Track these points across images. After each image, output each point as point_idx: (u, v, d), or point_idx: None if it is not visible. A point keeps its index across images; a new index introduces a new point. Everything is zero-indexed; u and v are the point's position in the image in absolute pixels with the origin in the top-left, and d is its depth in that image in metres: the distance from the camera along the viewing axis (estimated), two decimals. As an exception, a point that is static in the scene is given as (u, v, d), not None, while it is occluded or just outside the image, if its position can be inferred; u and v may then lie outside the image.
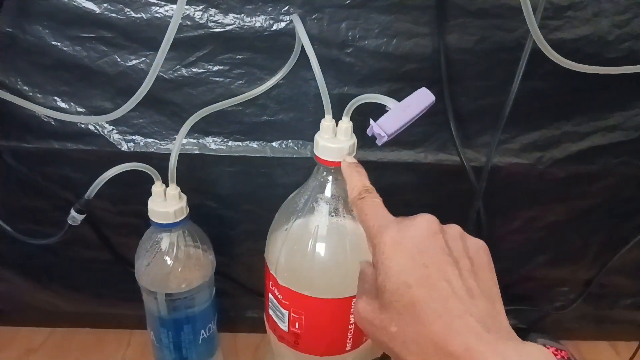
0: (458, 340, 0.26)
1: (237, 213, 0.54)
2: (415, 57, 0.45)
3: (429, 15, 0.44)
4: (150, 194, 0.45)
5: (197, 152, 0.49)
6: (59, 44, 0.44)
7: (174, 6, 0.42)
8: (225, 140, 0.49)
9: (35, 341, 0.61)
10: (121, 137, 0.49)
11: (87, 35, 0.44)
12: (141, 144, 0.49)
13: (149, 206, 0.45)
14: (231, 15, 0.43)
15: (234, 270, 0.59)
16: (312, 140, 0.41)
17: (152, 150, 0.49)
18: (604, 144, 0.50)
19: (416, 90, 0.37)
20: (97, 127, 0.48)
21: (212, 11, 0.43)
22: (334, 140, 0.40)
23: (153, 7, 0.43)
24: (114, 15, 0.43)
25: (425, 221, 0.31)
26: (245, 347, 0.62)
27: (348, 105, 0.39)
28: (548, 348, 0.58)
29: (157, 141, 0.49)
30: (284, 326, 0.45)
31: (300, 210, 0.43)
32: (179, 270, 0.47)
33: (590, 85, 0.47)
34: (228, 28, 0.44)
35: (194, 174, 0.50)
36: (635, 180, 0.53)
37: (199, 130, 0.48)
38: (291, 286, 0.43)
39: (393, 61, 0.45)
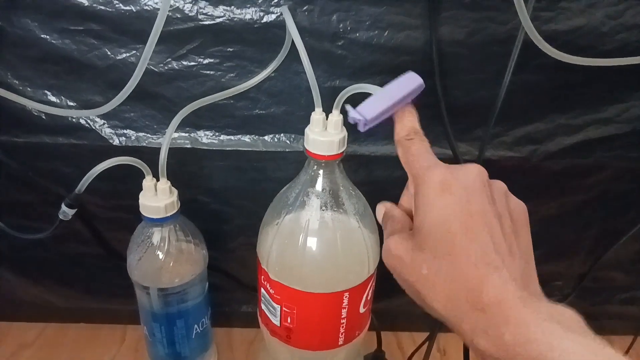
0: (492, 292, 0.26)
1: (229, 208, 0.54)
2: (407, 49, 0.45)
3: (420, 7, 0.43)
4: (141, 189, 0.45)
5: (188, 146, 0.49)
6: (47, 37, 0.44)
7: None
8: (217, 134, 0.49)
9: (28, 336, 0.60)
10: (112, 131, 0.48)
11: (76, 28, 0.43)
12: (132, 138, 0.48)
13: (140, 201, 0.44)
14: (221, 8, 0.43)
15: (228, 266, 0.58)
16: (304, 134, 0.41)
17: (144, 144, 0.48)
18: (598, 137, 0.50)
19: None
20: (88, 121, 0.48)
21: (202, 3, 0.43)
22: (324, 133, 0.40)
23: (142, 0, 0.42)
24: (102, 7, 0.42)
25: (477, 170, 0.31)
26: (240, 342, 0.62)
27: (337, 98, 0.38)
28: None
29: (149, 135, 0.48)
30: (276, 321, 0.45)
31: (291, 205, 0.43)
32: (171, 264, 0.47)
33: (584, 77, 0.47)
34: (218, 20, 0.43)
35: (185, 169, 0.50)
36: (629, 173, 0.52)
37: (190, 124, 0.48)
38: (282, 280, 0.43)
39: (385, 54, 0.45)
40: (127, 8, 0.43)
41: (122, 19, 0.43)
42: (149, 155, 0.45)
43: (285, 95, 0.47)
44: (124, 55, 0.45)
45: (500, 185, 0.32)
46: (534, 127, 0.50)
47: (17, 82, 0.46)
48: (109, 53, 0.45)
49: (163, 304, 0.48)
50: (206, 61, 0.45)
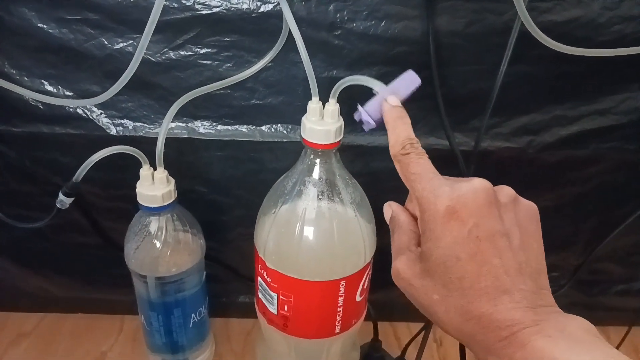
0: (502, 315, 0.27)
1: (227, 198, 0.54)
2: (404, 40, 0.45)
3: (417, -2, 0.44)
4: (139, 179, 0.45)
5: (185, 136, 0.49)
6: (45, 26, 0.44)
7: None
8: (214, 124, 0.49)
9: (26, 326, 0.61)
10: (110, 121, 0.49)
11: (73, 17, 0.44)
12: (130, 127, 0.49)
13: (137, 189, 0.45)
14: (218, -3, 0.43)
15: (226, 256, 0.59)
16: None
17: (141, 134, 0.49)
18: (594, 128, 0.50)
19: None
20: (86, 110, 0.48)
21: (199, -7, 0.43)
22: (320, 122, 0.40)
23: (139, -11, 0.42)
24: (99, -4, 0.43)
25: (483, 189, 0.29)
26: (238, 332, 0.62)
27: (334, 87, 0.38)
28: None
29: (146, 125, 0.49)
30: (273, 309, 0.46)
31: (288, 194, 0.43)
32: (168, 253, 0.47)
33: (580, 68, 0.47)
34: (215, 10, 0.43)
35: (183, 159, 0.50)
36: (626, 165, 0.53)
37: (188, 114, 0.48)
38: (279, 269, 0.43)
39: (382, 44, 0.45)
40: (125, -3, 0.43)
41: (120, 9, 0.43)
42: (146, 145, 0.46)
43: (282, 86, 0.47)
44: (122, 44, 0.45)
45: (507, 193, 0.31)
46: (530, 118, 0.50)
47: (14, 71, 0.46)
48: (106, 43, 0.45)
49: (160, 293, 0.48)
50: (203, 51, 0.45)
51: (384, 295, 0.55)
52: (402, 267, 0.31)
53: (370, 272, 0.46)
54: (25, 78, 0.46)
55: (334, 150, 0.41)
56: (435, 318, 0.30)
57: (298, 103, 0.48)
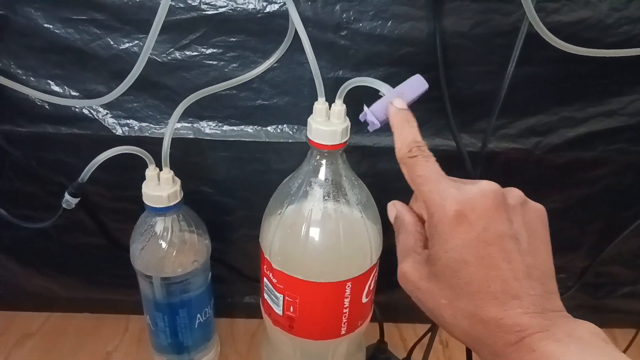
0: (512, 320, 0.27)
1: (232, 199, 0.54)
2: (411, 40, 0.45)
3: (425, -2, 0.43)
4: (145, 179, 0.45)
5: (191, 136, 0.49)
6: (51, 26, 0.44)
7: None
8: (219, 124, 0.49)
9: (32, 326, 0.61)
10: (115, 121, 0.49)
11: (79, 17, 0.44)
12: (136, 128, 0.49)
13: (142, 190, 0.45)
14: (224, -3, 0.43)
15: (231, 257, 0.59)
16: (308, 124, 0.41)
17: (147, 134, 0.49)
18: (602, 129, 0.50)
19: (411, 76, 0.37)
20: (92, 111, 0.48)
21: (205, -7, 0.43)
22: (327, 123, 0.39)
23: (145, -11, 0.42)
24: (106, -4, 0.43)
25: (492, 192, 0.29)
26: (243, 333, 0.62)
27: (341, 88, 0.38)
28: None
29: (152, 125, 0.49)
30: (278, 310, 0.45)
31: (294, 195, 0.43)
32: (174, 254, 0.47)
33: (588, 69, 0.47)
34: (221, 10, 0.43)
35: (189, 159, 0.50)
36: (633, 167, 0.52)
37: (193, 114, 0.48)
38: (285, 270, 0.43)
39: (388, 45, 0.45)
40: (131, -3, 0.43)
41: (125, 8, 0.43)
42: (152, 145, 0.45)
43: (288, 86, 0.47)
44: (127, 45, 0.45)
45: (516, 195, 0.31)
46: (537, 120, 0.50)
47: (20, 71, 0.46)
48: (112, 43, 0.45)
49: (166, 294, 0.48)
50: (209, 51, 0.45)
51: (389, 297, 0.55)
52: (408, 269, 0.31)
53: (376, 274, 0.46)
54: (32, 78, 0.46)
55: (340, 151, 0.41)
56: (441, 321, 0.30)
57: (304, 104, 0.48)
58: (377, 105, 0.36)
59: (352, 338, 0.48)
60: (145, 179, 0.45)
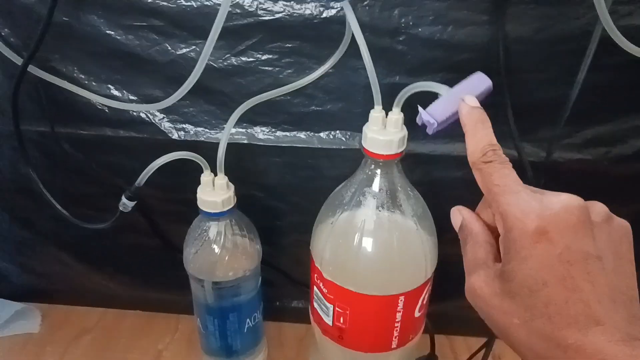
0: (594, 347, 0.25)
1: (284, 204, 0.54)
2: (470, 46, 0.43)
3: (486, 2, 0.42)
4: (199, 183, 0.45)
5: (245, 141, 0.49)
6: (112, 32, 0.45)
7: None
8: (273, 130, 0.49)
9: (89, 321, 0.63)
10: (172, 125, 0.49)
11: (139, 24, 0.44)
12: (191, 132, 0.49)
13: (197, 195, 0.45)
14: (280, 3, 0.42)
15: (280, 261, 0.59)
16: (361, 131, 0.40)
17: (202, 139, 0.49)
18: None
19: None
20: (149, 115, 0.49)
21: (262, -1, 0.43)
22: (383, 132, 0.38)
23: (203, -5, 0.43)
24: (164, 3, 0.43)
25: (577, 207, 0.27)
26: (290, 337, 0.62)
27: (399, 95, 0.37)
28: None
29: (207, 130, 0.49)
30: (328, 320, 0.45)
31: (346, 204, 0.42)
32: (226, 258, 0.47)
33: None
34: (277, 16, 0.43)
35: (242, 164, 0.50)
36: None
37: (247, 120, 0.48)
38: (336, 280, 0.42)
39: (447, 50, 0.44)
40: (188, 4, 0.43)
41: (183, 15, 0.44)
42: (206, 150, 0.46)
43: (341, 92, 0.47)
44: (184, 50, 0.45)
45: (600, 210, 0.28)
46: (604, 129, 0.47)
47: (82, 76, 0.47)
48: (169, 48, 0.45)
49: (217, 298, 0.49)
50: (265, 57, 0.45)
51: (441, 307, 0.54)
52: (479, 284, 0.29)
53: (430, 288, 0.45)
54: (93, 83, 0.48)
55: (396, 161, 0.40)
56: (512, 341, 0.28)
57: (357, 110, 0.47)
58: (435, 106, 0.33)
59: (403, 352, 0.46)
60: (198, 182, 0.45)
